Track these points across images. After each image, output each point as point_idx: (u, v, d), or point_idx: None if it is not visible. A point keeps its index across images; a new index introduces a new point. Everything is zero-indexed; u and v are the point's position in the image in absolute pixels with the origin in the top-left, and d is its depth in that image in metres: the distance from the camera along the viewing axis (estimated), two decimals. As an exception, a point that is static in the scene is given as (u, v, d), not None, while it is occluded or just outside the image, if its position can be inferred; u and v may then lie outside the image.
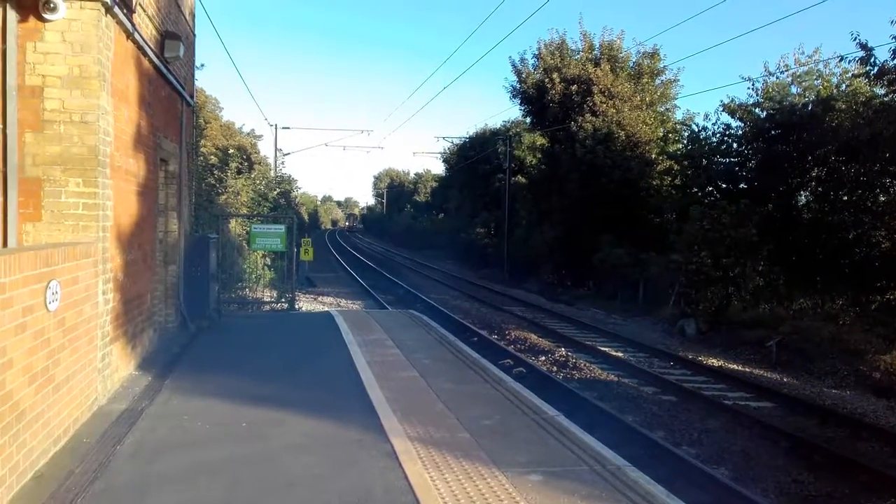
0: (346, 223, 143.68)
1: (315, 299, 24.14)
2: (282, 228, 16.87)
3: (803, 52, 22.60)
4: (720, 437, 9.63)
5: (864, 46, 16.06)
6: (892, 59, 15.59)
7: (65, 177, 6.82)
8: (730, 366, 15.06)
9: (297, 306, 18.13)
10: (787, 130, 20.22)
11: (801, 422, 10.61)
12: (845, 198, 19.68)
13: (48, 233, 6.78)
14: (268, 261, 21.31)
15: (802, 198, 21.29)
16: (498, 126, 47.88)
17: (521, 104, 34.77)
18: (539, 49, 32.95)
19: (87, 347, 6.50)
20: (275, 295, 18.42)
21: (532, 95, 32.94)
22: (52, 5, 6.68)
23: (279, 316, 16.00)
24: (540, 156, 36.84)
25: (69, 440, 5.90)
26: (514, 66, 34.02)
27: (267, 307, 17.59)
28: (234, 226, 20.58)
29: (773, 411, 11.25)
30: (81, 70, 6.83)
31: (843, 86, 21.10)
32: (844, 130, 18.52)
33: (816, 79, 22.00)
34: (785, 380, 13.91)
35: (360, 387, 8.02)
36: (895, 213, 18.01)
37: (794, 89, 22.11)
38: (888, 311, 17.04)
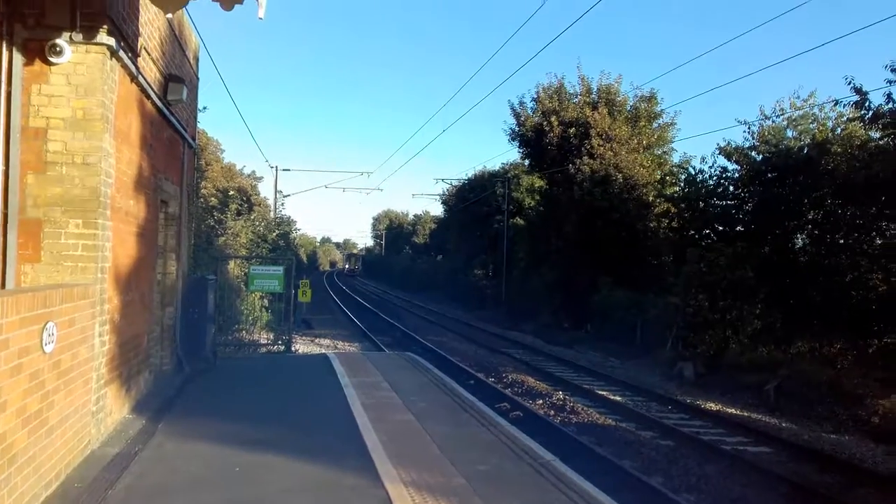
0: (346, 265, 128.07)
1: (312, 341, 24.05)
2: (280, 270, 16.90)
3: (799, 96, 22.95)
4: (719, 482, 9.54)
5: (858, 91, 16.29)
6: (887, 104, 15.81)
7: (65, 218, 6.87)
8: (728, 410, 14.96)
9: (293, 348, 18.07)
10: (784, 173, 20.39)
11: (799, 467, 10.51)
12: (842, 241, 19.77)
13: (47, 274, 6.80)
14: (265, 302, 21.28)
15: (799, 240, 21.37)
16: (497, 168, 48.31)
17: (519, 147, 35.10)
18: (538, 92, 33.38)
19: (81, 390, 6.47)
20: (271, 337, 18.35)
21: (530, 138, 33.26)
22: (58, 49, 6.80)
23: (275, 358, 15.93)
24: (538, 198, 37.06)
25: (60, 485, 5.85)
26: (512, 109, 34.45)
27: (263, 349, 17.52)
28: (233, 267, 20.61)
29: (772, 457, 11.16)
30: (85, 112, 6.92)
31: (839, 129, 21.35)
32: (840, 173, 18.68)
33: (812, 122, 22.28)
34: (783, 424, 13.81)
35: (355, 430, 7.97)
36: (892, 257, 18.05)
37: (789, 133, 22.39)
38: (886, 354, 16.98)
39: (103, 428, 7.33)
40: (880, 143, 17.82)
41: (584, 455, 9.85)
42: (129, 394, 8.57)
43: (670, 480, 9.52)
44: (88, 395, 6.71)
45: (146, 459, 6.70)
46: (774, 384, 15.90)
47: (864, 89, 16.24)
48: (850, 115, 19.07)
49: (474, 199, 47.23)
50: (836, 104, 20.38)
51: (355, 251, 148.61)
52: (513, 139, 34.88)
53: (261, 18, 6.98)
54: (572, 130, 30.58)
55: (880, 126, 16.68)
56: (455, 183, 54.55)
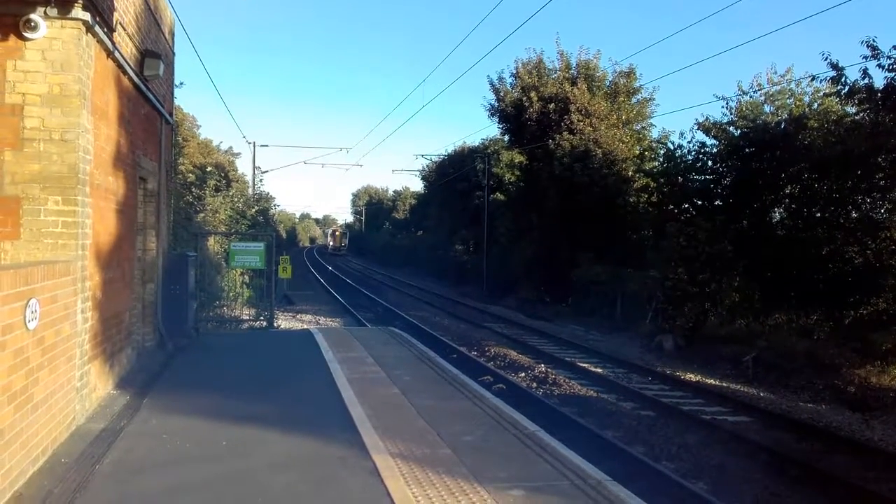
0: (330, 242, 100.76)
1: (294, 317, 24.04)
2: (261, 246, 16.84)
3: (776, 72, 23.10)
4: (698, 451, 9.70)
5: (835, 66, 16.38)
6: (863, 79, 15.92)
7: (44, 195, 6.81)
8: (707, 381, 15.19)
9: (275, 324, 18.07)
10: (761, 148, 20.54)
11: (778, 436, 10.72)
12: (818, 214, 20.01)
13: (27, 251, 6.75)
14: (246, 279, 21.25)
15: (777, 214, 21.60)
16: (476, 144, 48.22)
17: (499, 122, 35.01)
18: (517, 68, 33.26)
19: (65, 366, 6.46)
20: (253, 313, 18.35)
21: (510, 114, 33.19)
22: (32, 24, 6.69)
23: (258, 334, 15.93)
24: (518, 173, 37.09)
25: (47, 460, 5.85)
26: (492, 84, 34.30)
27: (245, 325, 17.51)
28: (213, 244, 20.51)
29: (751, 426, 11.36)
30: (62, 88, 6.84)
31: (815, 104, 21.53)
32: (817, 148, 18.85)
33: (789, 98, 22.43)
34: (761, 394, 14.06)
35: (341, 404, 8.02)
36: (867, 230, 18.31)
37: (767, 108, 22.52)
38: (861, 325, 17.30)
39: (88, 404, 7.32)
40: (856, 118, 17.98)
41: (567, 426, 9.97)
42: (112, 370, 8.56)
43: (651, 449, 9.68)
44: (73, 372, 6.70)
45: (132, 434, 6.70)
46: (752, 355, 16.17)
47: (840, 65, 16.34)
48: (827, 91, 19.21)
49: (454, 175, 47.16)
50: (812, 79, 20.62)
51: (338, 227, 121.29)
52: (492, 115, 34.80)
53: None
54: (552, 106, 30.56)
55: (856, 101, 16.79)
56: (435, 159, 54.43)
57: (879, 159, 16.95)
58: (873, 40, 15.34)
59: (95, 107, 7.48)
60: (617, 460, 8.36)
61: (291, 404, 8.13)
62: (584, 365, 16.07)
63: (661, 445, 9.90)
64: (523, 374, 14.74)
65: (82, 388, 7.04)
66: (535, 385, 13.80)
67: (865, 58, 15.59)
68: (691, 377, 15.44)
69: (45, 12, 6.73)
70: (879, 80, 15.72)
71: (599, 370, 15.74)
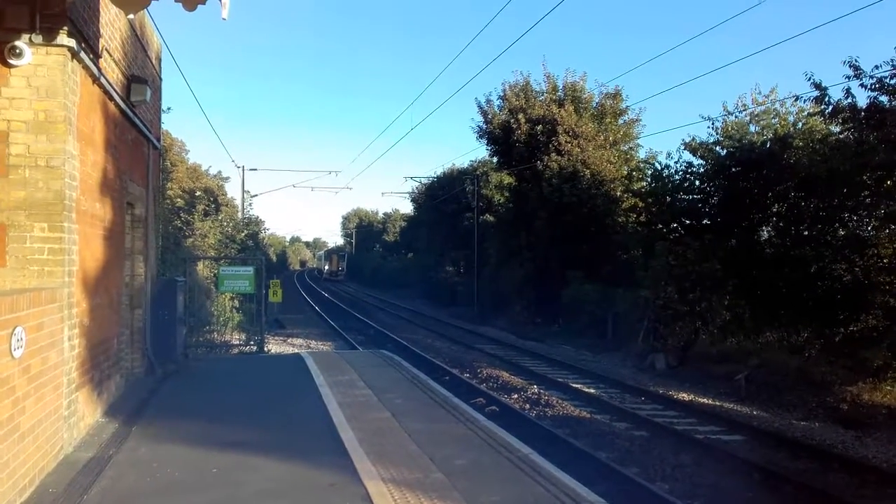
0: (325, 266, 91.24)
1: (284, 341, 23.90)
2: (250, 270, 16.76)
3: (760, 92, 23.31)
4: (693, 471, 9.65)
5: (818, 86, 16.54)
6: (846, 98, 16.07)
7: (30, 222, 6.76)
8: (700, 400, 15.15)
9: (266, 349, 17.94)
10: (748, 167, 20.65)
11: (771, 454, 10.68)
12: (806, 232, 20.07)
13: (13, 278, 6.68)
14: (236, 303, 21.11)
15: (764, 233, 21.67)
16: (466, 166, 48.40)
17: (487, 144, 35.10)
18: (504, 90, 33.45)
19: (52, 395, 6.37)
20: (243, 338, 18.21)
21: (498, 136, 33.33)
22: (17, 51, 6.68)
23: (248, 359, 15.80)
24: (507, 194, 37.19)
25: (35, 490, 5.75)
26: (480, 107, 34.46)
27: (235, 350, 17.37)
28: (202, 268, 20.42)
29: (744, 444, 11.32)
30: (47, 115, 6.82)
31: (800, 124, 21.73)
32: (802, 167, 18.97)
33: (774, 117, 22.63)
34: (754, 413, 14.02)
35: (332, 429, 7.94)
36: (854, 247, 18.38)
37: (752, 128, 22.70)
38: (852, 342, 17.29)
39: (76, 432, 7.22)
40: (840, 136, 18.12)
41: (561, 447, 9.91)
42: (100, 397, 8.45)
43: (645, 470, 9.61)
44: (60, 400, 6.61)
45: (120, 463, 6.61)
46: (744, 374, 16.14)
47: (823, 85, 16.51)
48: (811, 110, 19.41)
49: (444, 197, 47.25)
50: (796, 99, 20.68)
51: (335, 249, 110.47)
52: (481, 137, 34.91)
53: (224, 19, 6.94)
54: (539, 128, 30.71)
55: (840, 120, 16.94)
56: (425, 181, 54.54)
57: (864, 177, 17.04)
58: (856, 60, 15.53)
59: (81, 133, 7.45)
60: (611, 481, 8.30)
61: (282, 430, 8.04)
62: (576, 385, 16.02)
63: (656, 466, 9.84)
64: (516, 396, 14.67)
65: (70, 416, 6.95)
66: (527, 406, 13.73)
67: (848, 77, 15.77)
68: (684, 396, 15.40)
69: (30, 39, 6.73)
70: (862, 99, 15.90)
71: (592, 390, 15.68)
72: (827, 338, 18.35)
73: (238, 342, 17.92)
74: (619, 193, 27.96)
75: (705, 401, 15.11)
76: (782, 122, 22.17)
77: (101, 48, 8.16)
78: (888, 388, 14.99)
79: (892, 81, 15.19)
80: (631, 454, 10.40)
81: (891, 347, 15.52)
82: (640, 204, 25.11)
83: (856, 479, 9.59)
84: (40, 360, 6.01)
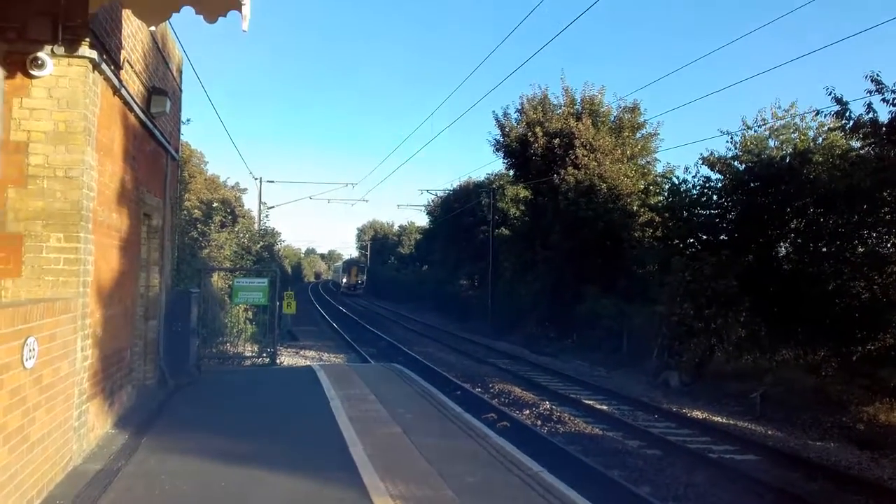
0: (343, 278, 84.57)
1: (297, 353, 23.94)
2: (264, 282, 16.81)
3: (780, 107, 23.14)
4: (706, 491, 9.54)
5: (839, 101, 16.42)
6: (867, 113, 15.95)
7: (46, 232, 6.80)
8: (714, 418, 15.00)
9: (278, 361, 17.96)
10: (766, 183, 20.53)
11: (786, 475, 10.53)
12: (824, 249, 19.89)
13: (28, 288, 6.72)
14: (250, 314, 21.16)
15: (782, 249, 21.49)
16: (482, 179, 48.43)
17: (504, 157, 35.17)
18: (522, 104, 33.52)
19: (63, 406, 6.39)
20: (256, 349, 18.22)
21: (515, 149, 33.36)
22: (39, 62, 6.75)
23: (260, 371, 15.82)
24: (523, 208, 37.17)
25: (42, 502, 5.76)
26: (497, 120, 34.54)
27: (248, 362, 17.40)
28: (217, 279, 20.50)
29: (759, 464, 11.18)
30: (67, 126, 6.87)
31: (820, 139, 21.54)
32: (822, 183, 18.83)
33: (793, 132, 22.45)
34: (769, 432, 13.86)
35: (342, 444, 7.91)
36: (873, 265, 18.19)
37: (771, 142, 22.54)
38: (869, 361, 17.08)
39: (86, 444, 7.23)
40: (861, 152, 17.98)
41: (572, 465, 9.83)
42: (111, 408, 8.47)
43: (658, 490, 9.51)
44: (70, 411, 6.63)
45: (129, 475, 6.61)
46: (760, 392, 15.97)
47: (844, 99, 16.39)
48: (831, 125, 19.25)
49: (459, 210, 47.28)
50: (817, 114, 20.59)
51: (349, 260, 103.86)
52: (497, 150, 34.97)
53: (245, 31, 6.97)
54: (556, 141, 30.71)
55: (861, 136, 16.83)
56: (440, 194, 54.69)
57: (885, 194, 16.90)
58: (877, 74, 15.42)
59: (100, 144, 7.51)
60: (623, 502, 8.21)
61: (291, 444, 8.02)
62: (589, 402, 15.91)
63: (669, 485, 9.74)
64: (528, 412, 14.59)
65: (80, 427, 6.96)
66: (539, 423, 13.64)
67: (870, 92, 15.65)
68: (698, 414, 15.25)
69: (52, 50, 6.79)
70: (884, 114, 15.77)
71: (605, 407, 15.56)
72: (844, 356, 18.15)
73: (251, 354, 17.95)
74: (635, 208, 27.85)
75: (719, 419, 14.95)
76: (802, 137, 21.99)
77: (122, 60, 8.23)
78: (906, 408, 14.77)
79: (915, 96, 15.06)
80: (643, 473, 10.30)
81: (909, 367, 15.32)
82: (657, 219, 25.01)
83: (872, 501, 9.45)
84: (52, 371, 6.04)
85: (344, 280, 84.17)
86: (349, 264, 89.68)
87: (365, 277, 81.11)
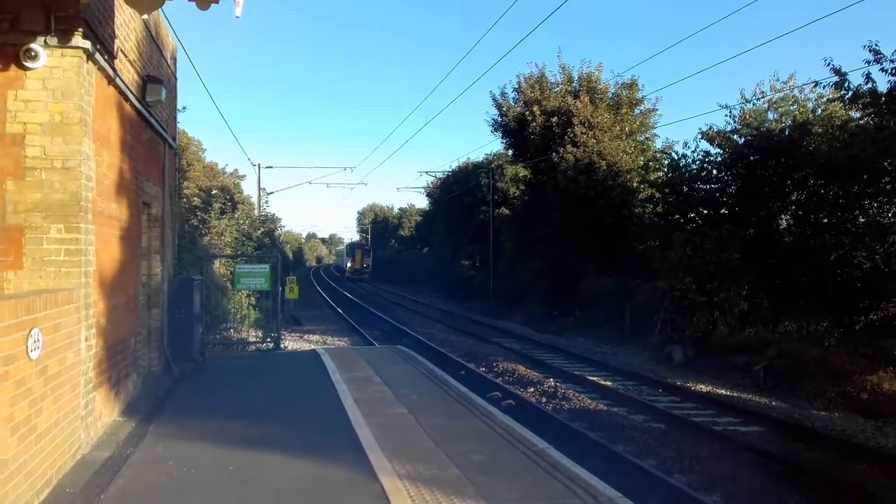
0: (347, 262, 76.76)
1: (301, 337, 24.01)
2: (266, 268, 16.83)
3: (778, 79, 23.03)
4: (711, 463, 9.59)
5: (837, 72, 16.35)
6: (866, 84, 15.89)
7: (46, 223, 6.80)
8: (718, 391, 15.06)
9: (282, 345, 18.02)
10: (766, 156, 20.48)
11: (791, 445, 10.59)
12: (825, 220, 19.89)
13: (30, 280, 6.74)
14: (252, 300, 21.20)
15: (783, 221, 21.49)
16: (480, 159, 48.31)
17: (502, 137, 35.10)
18: (519, 83, 33.38)
19: (69, 395, 6.43)
20: (260, 335, 18.28)
21: (513, 128, 33.28)
22: (33, 53, 6.72)
23: (264, 356, 15.88)
24: (523, 187, 37.12)
25: (52, 490, 5.81)
26: (494, 99, 34.43)
27: (252, 347, 17.45)
28: (218, 266, 20.52)
29: (763, 436, 11.24)
30: (63, 117, 6.85)
31: (819, 110, 21.46)
32: (822, 154, 18.79)
33: (792, 104, 22.36)
34: (773, 403, 13.92)
35: (348, 425, 7.96)
36: (875, 235, 18.20)
37: (770, 115, 22.46)
38: (872, 331, 17.14)
39: (93, 432, 7.28)
40: (860, 122, 17.93)
41: (578, 441, 9.89)
42: (118, 397, 8.52)
43: (663, 462, 9.58)
44: (77, 400, 6.67)
45: (138, 462, 6.66)
46: (763, 364, 16.02)
47: (843, 70, 16.32)
48: (831, 96, 19.19)
49: (459, 191, 47.21)
50: (815, 85, 20.43)
51: (352, 242, 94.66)
52: (495, 130, 34.90)
53: (238, 17, 6.93)
54: (555, 119, 30.62)
55: (860, 106, 16.76)
56: (439, 175, 54.60)
57: (885, 163, 16.86)
58: (876, 44, 15.35)
59: (97, 134, 7.50)
60: (629, 475, 8.26)
61: (298, 427, 8.07)
62: (593, 378, 15.97)
63: (674, 458, 9.79)
64: (532, 390, 14.64)
65: (87, 416, 7.01)
66: (544, 400, 13.70)
67: (868, 62, 15.59)
68: (702, 388, 15.31)
69: (45, 41, 6.76)
70: (883, 84, 15.73)
71: (609, 383, 15.63)
72: (847, 327, 18.21)
73: (255, 339, 18.01)
74: (635, 184, 27.81)
75: (723, 392, 15.02)
76: (801, 109, 21.90)
77: (116, 49, 8.20)
78: (909, 377, 14.83)
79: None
80: (648, 447, 10.35)
81: (912, 336, 15.36)
82: (657, 194, 24.99)
83: (877, 469, 9.50)
84: (57, 361, 6.06)
85: (348, 264, 76.28)
86: (353, 247, 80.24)
87: (370, 261, 74.94)
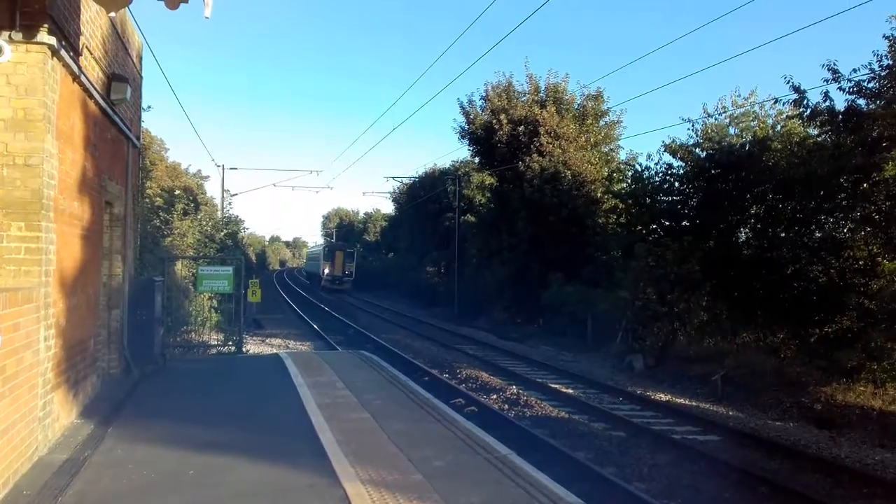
0: (326, 269, 58.92)
1: (263, 341, 23.80)
2: (229, 270, 16.67)
3: (740, 95, 23.59)
4: (669, 471, 9.73)
5: (797, 89, 16.76)
6: (824, 102, 16.30)
7: (7, 221, 6.69)
8: (677, 400, 15.28)
9: (244, 349, 17.85)
10: (727, 170, 20.86)
11: (747, 455, 10.79)
12: (783, 234, 20.32)
13: (-12, 278, 6.61)
14: (214, 303, 20.96)
15: (742, 234, 21.90)
16: (447, 166, 48.50)
17: (469, 145, 35.27)
18: (486, 91, 33.60)
19: (27, 396, 6.31)
20: (222, 338, 18.09)
21: (480, 136, 33.46)
22: (-3, 48, 6.61)
23: (226, 359, 15.72)
24: (489, 195, 37.32)
25: (8, 492, 5.70)
26: (462, 107, 34.62)
27: (213, 350, 17.27)
28: (181, 268, 20.26)
29: (720, 445, 11.43)
30: (26, 113, 6.76)
31: (779, 126, 21.99)
32: (780, 169, 19.20)
33: (753, 120, 22.88)
34: (730, 413, 14.16)
35: (311, 430, 7.93)
36: (830, 249, 18.63)
37: (732, 130, 22.95)
38: (826, 343, 17.52)
39: (51, 433, 7.16)
40: (818, 139, 18.37)
41: (539, 448, 9.97)
42: (76, 398, 8.38)
43: (623, 470, 9.69)
44: (35, 401, 6.55)
45: (96, 465, 6.56)
46: (721, 374, 16.29)
47: (802, 88, 16.73)
48: (790, 113, 19.67)
49: (425, 197, 47.28)
50: (775, 102, 21.05)
51: (331, 243, 72.11)
52: (462, 137, 35.07)
53: (207, 17, 6.90)
54: (521, 128, 30.87)
55: (818, 123, 17.19)
56: (406, 181, 54.59)
57: (841, 180, 17.30)
58: (834, 63, 15.77)
59: (60, 131, 7.39)
60: (589, 482, 8.36)
61: (260, 431, 8.02)
62: (555, 386, 16.10)
63: (633, 466, 9.92)
64: (495, 396, 14.71)
65: (45, 417, 6.89)
66: (506, 407, 13.77)
67: (826, 80, 16.00)
68: (661, 397, 15.52)
69: (9, 36, 6.66)
70: (840, 102, 16.16)
71: (571, 391, 15.77)
72: (802, 339, 18.59)
73: (216, 342, 17.82)
74: (599, 195, 28.13)
75: (682, 401, 15.24)
76: (761, 125, 22.42)
77: (81, 46, 8.09)
78: (861, 388, 15.21)
79: (870, 85, 15.42)
80: (609, 454, 10.47)
81: (865, 348, 15.73)
82: (621, 205, 25.30)
83: (829, 480, 9.73)
84: (15, 361, 5.96)
85: (325, 270, 59.71)
86: (332, 249, 62.35)
87: (354, 267, 60.16)
